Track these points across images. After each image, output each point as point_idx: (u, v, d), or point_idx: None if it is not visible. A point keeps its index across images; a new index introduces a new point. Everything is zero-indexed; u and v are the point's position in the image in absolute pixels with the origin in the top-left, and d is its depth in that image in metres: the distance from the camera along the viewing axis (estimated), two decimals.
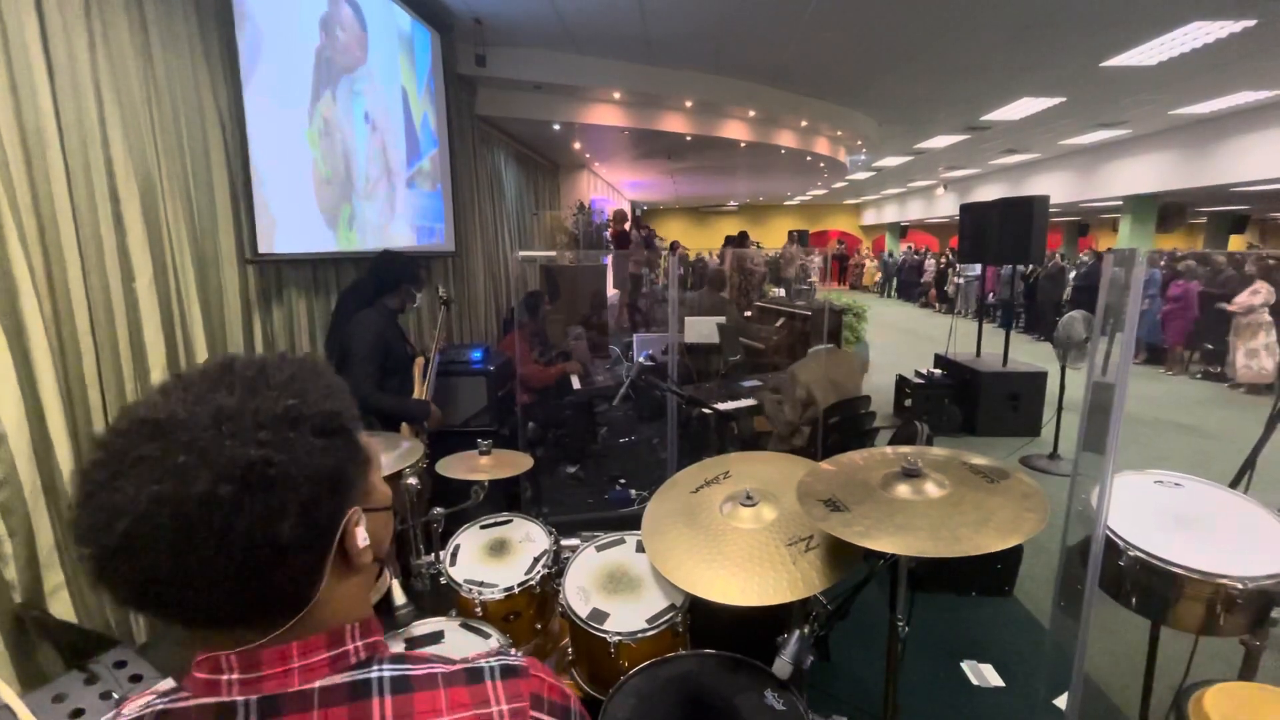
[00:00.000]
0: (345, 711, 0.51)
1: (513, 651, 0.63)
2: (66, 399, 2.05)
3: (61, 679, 1.23)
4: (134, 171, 2.31)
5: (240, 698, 0.50)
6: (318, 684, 0.51)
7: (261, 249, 2.89)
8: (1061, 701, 2.19)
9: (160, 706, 0.51)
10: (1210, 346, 8.03)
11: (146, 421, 0.49)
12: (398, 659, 0.56)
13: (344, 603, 0.55)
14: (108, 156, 2.22)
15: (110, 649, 1.34)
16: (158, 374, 2.42)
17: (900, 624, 1.47)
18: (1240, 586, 1.31)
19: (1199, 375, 8.08)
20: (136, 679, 1.21)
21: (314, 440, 0.51)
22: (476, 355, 3.84)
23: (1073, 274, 11.14)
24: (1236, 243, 14.52)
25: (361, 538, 0.55)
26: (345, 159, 3.67)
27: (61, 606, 1.98)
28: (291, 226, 3.14)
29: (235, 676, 0.50)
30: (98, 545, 0.46)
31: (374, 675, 0.53)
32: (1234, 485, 1.90)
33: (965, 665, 2.46)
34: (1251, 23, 5.05)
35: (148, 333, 2.38)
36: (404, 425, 2.66)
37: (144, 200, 2.35)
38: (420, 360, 2.86)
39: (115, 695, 1.15)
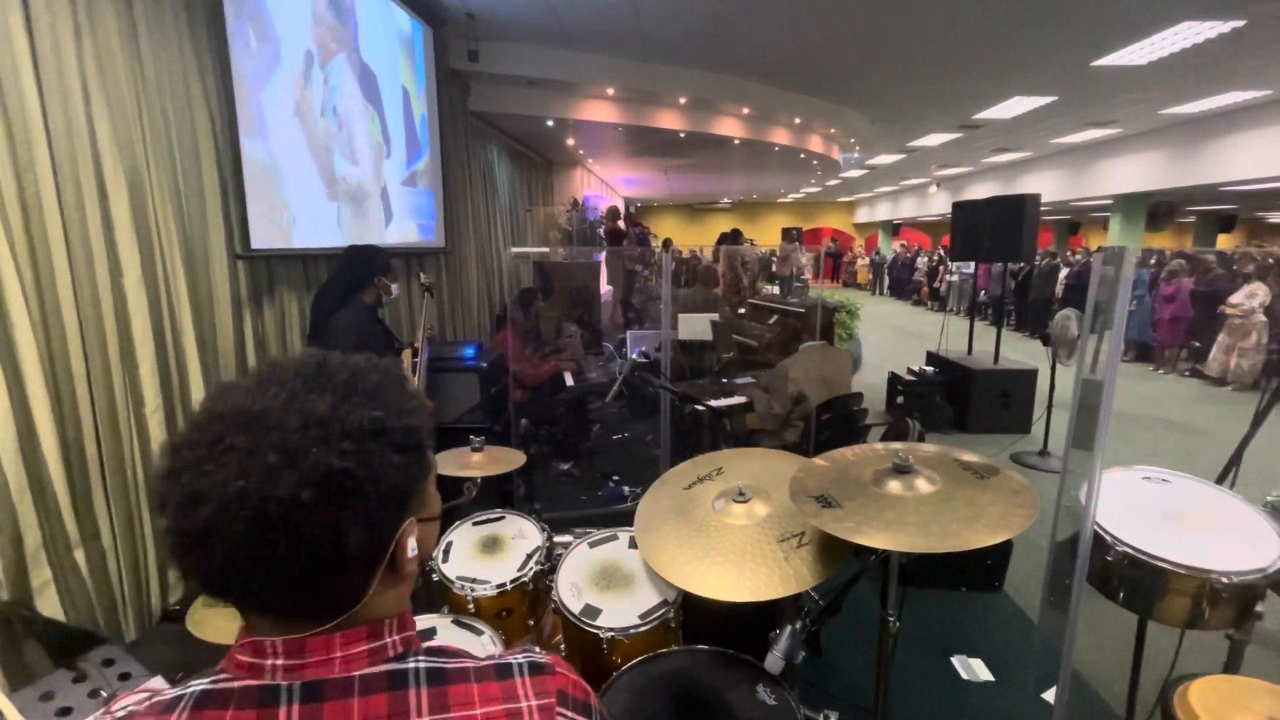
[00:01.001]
0: (384, 699, 0.53)
1: (537, 649, 0.65)
2: (54, 395, 2.03)
3: (49, 677, 1.22)
4: (122, 166, 2.28)
5: (284, 682, 0.52)
6: (357, 673, 0.53)
7: (255, 244, 2.87)
8: (1050, 695, 2.21)
9: (201, 687, 0.52)
10: (1199, 344, 8.12)
11: (243, 411, 0.51)
12: (431, 652, 0.58)
13: (386, 603, 0.57)
14: (95, 150, 2.19)
15: (98, 647, 1.33)
16: (147, 369, 2.40)
17: (891, 619, 1.48)
18: (1226, 581, 1.32)
19: (1187, 373, 8.17)
20: (125, 677, 1.20)
21: (393, 456, 0.53)
22: (469, 352, 3.83)
23: (1064, 272, 11.22)
24: (1224, 241, 14.67)
25: (412, 548, 0.57)
26: (342, 152, 3.65)
27: (49, 604, 1.97)
28: (281, 222, 3.12)
29: (280, 662, 0.52)
30: (178, 525, 0.49)
31: (410, 666, 0.55)
32: (1220, 481, 1.92)
33: (955, 660, 2.48)
34: (1240, 23, 5.09)
35: (136, 329, 2.36)
36: None
37: (132, 195, 2.32)
38: (407, 353, 2.82)
39: (104, 693, 1.15)
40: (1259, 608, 1.37)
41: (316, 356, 0.57)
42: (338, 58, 3.63)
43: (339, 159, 3.62)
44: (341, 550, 0.50)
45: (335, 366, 0.56)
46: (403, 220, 4.49)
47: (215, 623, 1.40)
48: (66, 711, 1.14)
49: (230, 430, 0.50)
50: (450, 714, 0.53)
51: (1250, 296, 7.29)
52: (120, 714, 0.52)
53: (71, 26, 2.11)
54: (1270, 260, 8.21)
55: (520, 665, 0.59)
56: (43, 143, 2.02)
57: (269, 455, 0.48)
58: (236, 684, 0.52)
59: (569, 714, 0.58)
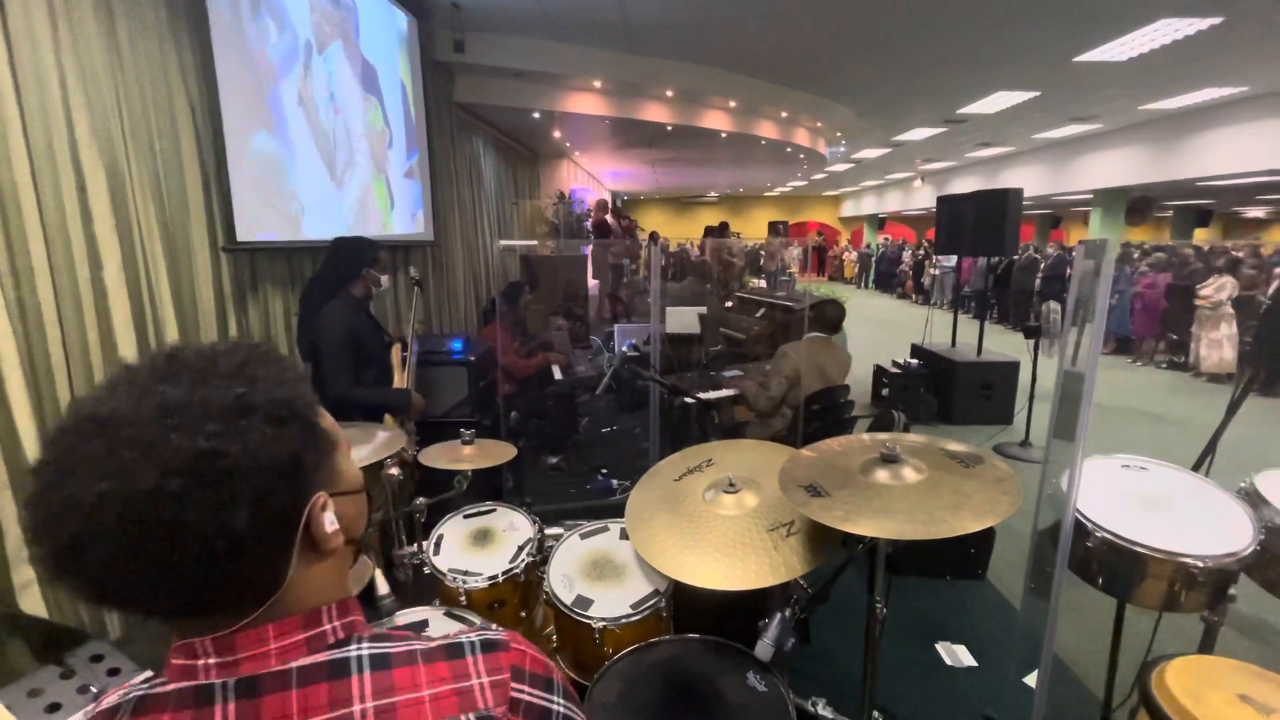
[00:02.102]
0: (325, 689, 0.51)
1: (494, 627, 0.63)
2: (34, 391, 2.00)
3: (37, 673, 1.21)
4: (100, 156, 2.24)
5: (218, 680, 0.50)
6: (295, 664, 0.51)
7: (240, 237, 2.83)
8: (1031, 680, 2.27)
9: (139, 693, 0.51)
10: (1175, 337, 8.28)
11: (92, 418, 0.48)
12: (377, 638, 0.56)
13: (318, 585, 0.55)
14: (73, 141, 2.15)
15: (84, 643, 1.32)
16: None
17: (879, 606, 1.51)
18: (1201, 565, 1.36)
19: (1164, 365, 8.33)
20: (114, 672, 1.19)
21: (266, 429, 0.50)
22: (457, 345, 3.81)
23: (1042, 265, 11.39)
24: (1201, 236, 14.94)
25: (329, 523, 0.54)
26: (333, 141, 3.62)
27: (32, 602, 1.94)
28: (272, 214, 3.08)
29: (212, 660, 0.50)
30: (50, 544, 0.46)
31: (352, 654, 0.53)
32: (1196, 469, 1.97)
33: (939, 646, 2.53)
34: (1219, 20, 5.17)
35: (117, 323, 2.32)
36: (387, 418, 2.62)
37: (111, 186, 2.28)
38: (398, 347, 2.81)
39: (93, 689, 1.14)
40: (1232, 590, 1.42)
41: (168, 349, 0.54)
42: (334, 45, 3.59)
43: (341, 149, 3.61)
44: (230, 533, 0.47)
45: (189, 355, 0.53)
46: (401, 211, 4.48)
47: None
48: (55, 708, 1.14)
49: (82, 439, 0.47)
50: (395, 697, 0.52)
51: (1219, 289, 7.46)
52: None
53: (47, 14, 2.06)
54: (1242, 254, 8.39)
55: (473, 644, 0.57)
56: (18, 133, 1.97)
57: (125, 452, 0.46)
58: (172, 687, 0.51)
59: (525, 689, 0.56)
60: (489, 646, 0.57)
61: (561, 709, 0.57)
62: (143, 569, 0.46)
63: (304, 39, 3.30)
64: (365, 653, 0.54)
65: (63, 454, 0.47)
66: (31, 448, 1.99)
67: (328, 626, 0.54)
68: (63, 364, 2.11)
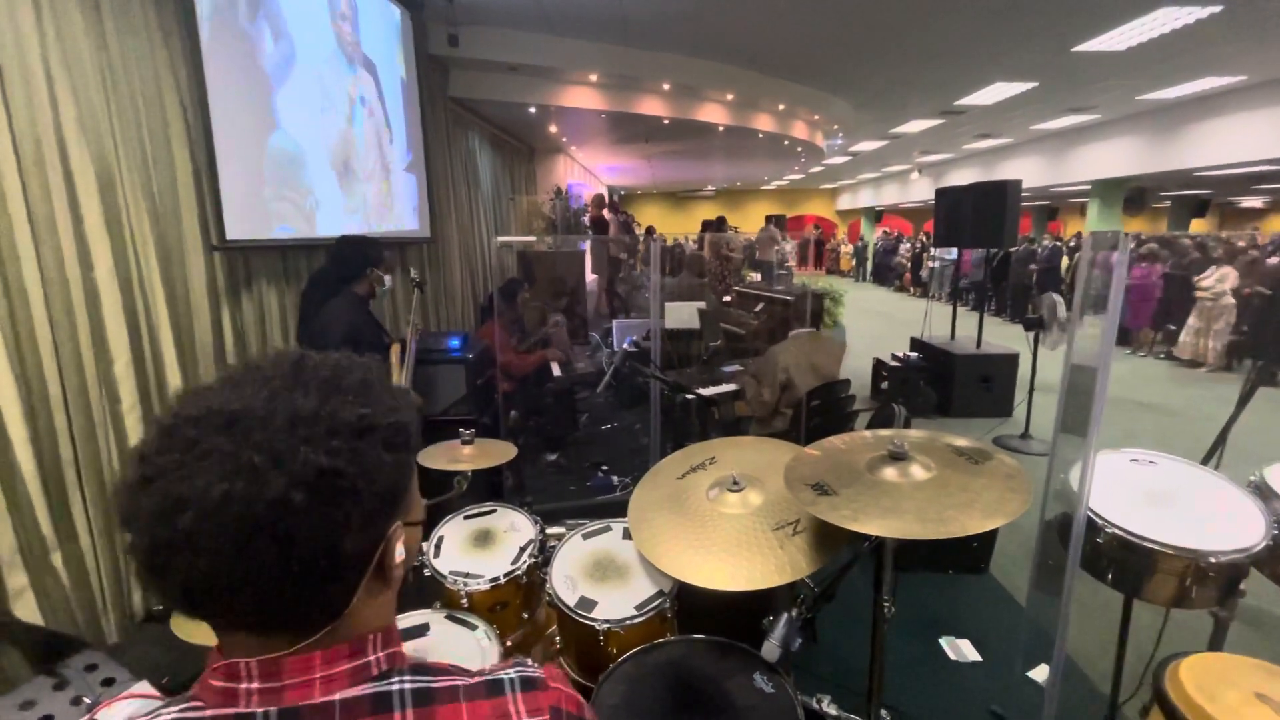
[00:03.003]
0: None
1: (529, 662, 0.63)
2: (24, 394, 1.97)
3: (29, 684, 1.18)
4: (89, 156, 2.20)
5: (259, 709, 0.48)
6: (338, 696, 0.50)
7: (231, 235, 2.79)
8: (1035, 674, 2.26)
9: (172, 716, 0.49)
10: (1173, 327, 8.29)
11: (221, 413, 0.48)
12: (418, 669, 0.55)
13: (371, 615, 0.55)
14: (60, 140, 2.11)
15: (80, 651, 1.29)
16: (121, 366, 2.33)
17: (887, 604, 1.49)
18: (1213, 560, 1.35)
19: (1162, 355, 8.34)
20: (109, 682, 1.17)
21: (383, 455, 0.51)
22: (454, 343, 3.77)
23: (1037, 257, 11.39)
24: (1198, 226, 14.94)
25: (400, 553, 0.55)
26: (341, 142, 3.60)
27: (26, 609, 1.92)
28: (263, 212, 3.04)
29: (255, 686, 0.49)
30: (153, 536, 0.45)
31: (395, 688, 0.52)
32: (1205, 462, 1.96)
33: (943, 641, 2.51)
34: (1218, 8, 5.14)
35: (109, 323, 2.29)
36: None
37: (101, 186, 2.24)
38: (396, 347, 2.79)
39: (86, 700, 1.11)
40: (1243, 586, 1.40)
41: (295, 354, 0.54)
42: (345, 45, 3.57)
43: (354, 145, 3.60)
44: (336, 556, 0.48)
45: (316, 363, 0.53)
46: (400, 208, 4.45)
47: (200, 624, 1.36)
48: (48, 719, 1.11)
49: (207, 433, 0.47)
50: None
51: (1220, 280, 7.46)
52: None
53: (32, 12, 2.02)
54: (1241, 244, 8.39)
55: (512, 680, 0.57)
56: (5, 132, 1.94)
57: (254, 456, 0.46)
58: (209, 712, 0.49)
59: None
60: (528, 685, 0.57)
61: None
62: (241, 577, 0.45)
63: (306, 39, 3.26)
64: (409, 687, 0.53)
65: (185, 443, 0.46)
66: (23, 453, 1.96)
67: (372, 658, 0.53)
68: (54, 368, 2.08)
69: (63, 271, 2.11)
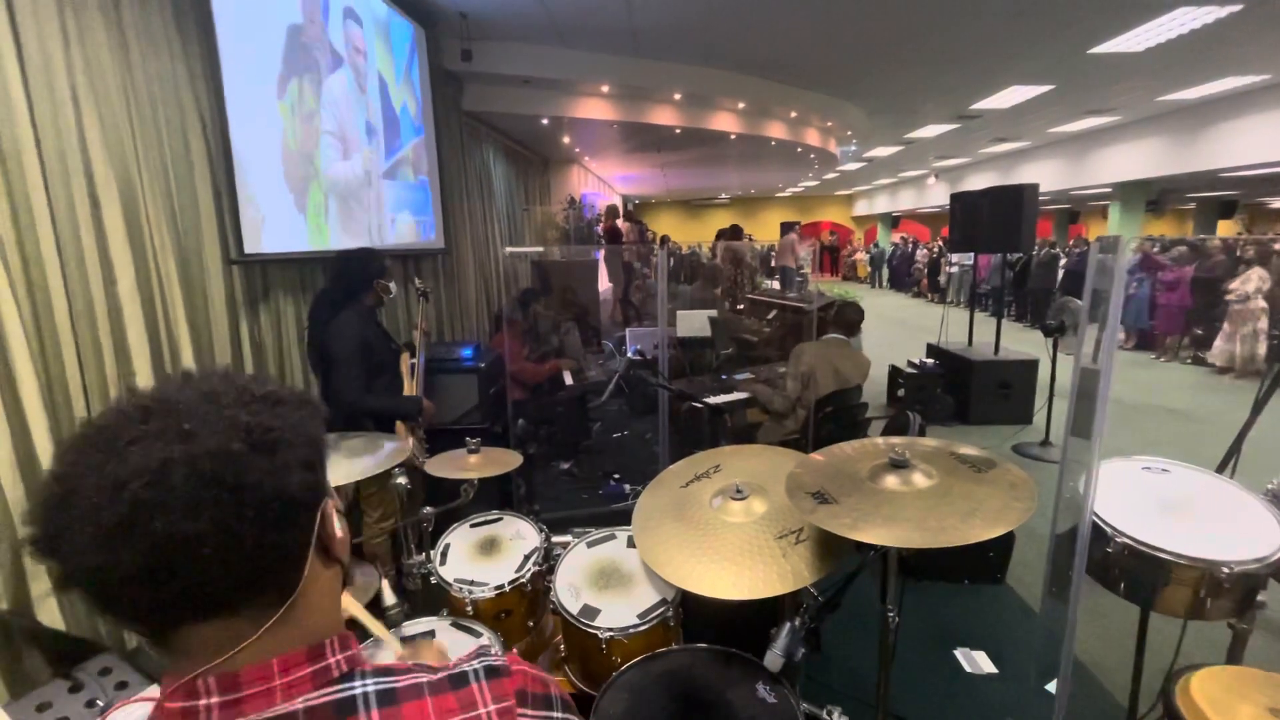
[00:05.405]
0: None
1: (493, 650, 0.64)
2: (49, 405, 2.03)
3: (46, 687, 1.22)
4: (113, 172, 2.27)
5: None
6: (300, 704, 0.50)
7: (248, 249, 2.86)
8: (1052, 687, 2.21)
9: None
10: (1200, 332, 8.09)
11: (137, 408, 0.49)
12: (380, 671, 0.55)
13: (321, 602, 0.55)
14: (86, 158, 2.18)
15: (96, 656, 1.33)
16: (143, 379, 2.39)
17: (891, 614, 1.48)
18: (1227, 571, 1.31)
19: (1189, 360, 8.14)
20: (122, 685, 1.20)
21: (300, 412, 0.54)
22: (467, 353, 3.82)
23: (1063, 261, 11.19)
24: (1225, 228, 14.60)
25: (339, 526, 0.57)
26: (343, 157, 3.66)
27: (49, 614, 1.96)
28: (279, 226, 3.11)
29: (214, 700, 0.48)
30: (97, 525, 0.44)
31: (358, 690, 0.52)
32: (1221, 470, 1.91)
33: (958, 653, 2.47)
34: (1238, 7, 5.05)
35: (131, 337, 2.35)
36: (399, 424, 2.64)
37: (124, 202, 2.31)
38: (406, 356, 2.83)
39: (100, 703, 1.14)
40: (1261, 596, 1.36)
41: (179, 373, 0.57)
42: (318, 47, 3.60)
43: (323, 154, 3.60)
44: (285, 495, 0.49)
45: (202, 371, 0.56)
46: (397, 215, 4.48)
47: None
48: None
49: (129, 426, 0.47)
50: None
51: (1245, 282, 7.28)
52: None
53: (60, 35, 2.10)
54: (1277, 247, 8.16)
55: (476, 671, 0.57)
56: (32, 151, 2.01)
57: (184, 424, 0.47)
58: None
59: (530, 712, 0.57)
60: (492, 673, 0.58)
61: None
62: (201, 535, 0.45)
63: (283, 44, 3.28)
64: (371, 689, 0.53)
65: (108, 439, 0.47)
66: (49, 460, 2.01)
67: (331, 660, 0.53)
68: (78, 378, 2.14)
69: (87, 286, 2.18)
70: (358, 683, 0.53)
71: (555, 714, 0.59)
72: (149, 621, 0.49)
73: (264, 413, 0.51)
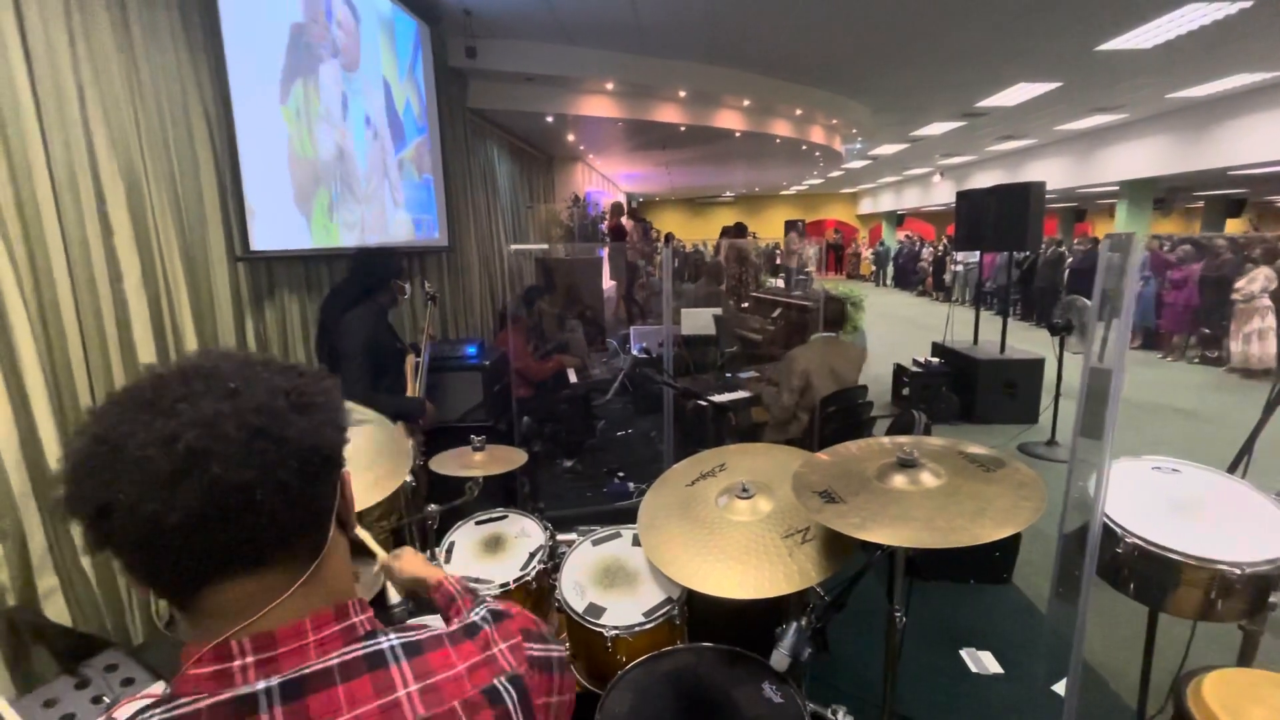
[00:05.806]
0: (368, 680, 0.52)
1: (487, 598, 0.70)
2: (56, 400, 2.03)
3: (53, 683, 1.22)
4: (119, 170, 2.28)
5: (260, 684, 0.49)
6: (335, 660, 0.52)
7: (254, 246, 2.87)
8: (1060, 688, 2.20)
9: (157, 718, 0.48)
10: (1208, 331, 8.03)
11: (176, 372, 0.52)
12: (399, 629, 0.59)
13: (340, 567, 0.59)
14: (92, 155, 2.19)
15: (102, 651, 1.33)
16: None
17: (898, 615, 1.47)
18: (1238, 572, 1.30)
19: (1196, 360, 8.09)
20: (128, 682, 1.20)
21: (321, 381, 0.58)
22: (471, 350, 3.82)
23: (1069, 259, 11.13)
24: (1233, 226, 14.50)
25: (353, 497, 0.61)
26: (340, 154, 3.65)
27: (56, 609, 1.97)
28: (285, 223, 3.11)
29: (249, 659, 0.50)
30: (151, 475, 0.46)
31: (384, 645, 0.55)
32: (1232, 470, 1.89)
33: (964, 653, 2.46)
34: (1248, 3, 5.00)
35: (137, 333, 2.35)
36: (399, 424, 2.64)
37: (130, 199, 2.32)
38: (411, 357, 2.84)
39: (106, 699, 1.15)
40: (1272, 598, 1.35)
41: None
42: (323, 46, 3.60)
43: (328, 151, 3.61)
44: (321, 449, 0.53)
45: (221, 352, 0.59)
46: (401, 213, 4.49)
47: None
48: (70, 718, 1.14)
49: (176, 386, 0.50)
50: (436, 677, 0.55)
51: (1251, 281, 7.23)
52: None
53: (65, 32, 2.10)
54: None
55: (484, 618, 0.63)
56: (39, 148, 2.01)
57: (229, 383, 0.51)
58: (204, 703, 0.48)
59: (535, 646, 0.64)
60: (498, 617, 0.65)
61: (558, 653, 0.67)
62: (251, 484, 0.48)
63: (286, 45, 3.28)
64: (397, 643, 0.56)
65: (151, 399, 0.49)
66: (54, 457, 2.02)
67: (356, 619, 0.56)
68: (84, 377, 2.15)
69: (93, 283, 2.18)
70: (383, 639, 0.56)
71: (553, 647, 0.67)
72: (190, 575, 0.50)
73: (295, 379, 0.55)
